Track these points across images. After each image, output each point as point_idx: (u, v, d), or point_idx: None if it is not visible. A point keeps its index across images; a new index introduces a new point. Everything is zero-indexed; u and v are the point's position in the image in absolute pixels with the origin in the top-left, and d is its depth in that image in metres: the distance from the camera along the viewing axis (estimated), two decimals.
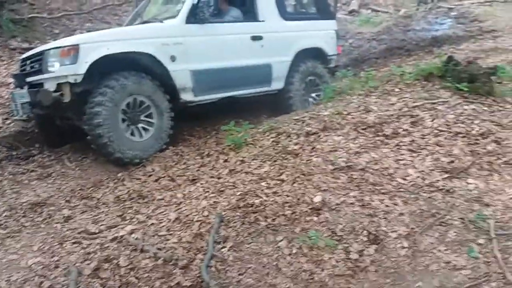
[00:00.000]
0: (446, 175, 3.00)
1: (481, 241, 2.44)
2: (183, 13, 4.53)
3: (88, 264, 2.54)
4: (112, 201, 3.48)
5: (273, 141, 3.95)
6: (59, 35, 7.67)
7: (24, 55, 4.81)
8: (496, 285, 2.15)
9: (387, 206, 2.76)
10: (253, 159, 3.72)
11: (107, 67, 4.05)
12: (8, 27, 7.13)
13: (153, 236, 2.83)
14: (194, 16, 4.54)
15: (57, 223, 3.22)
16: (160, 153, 4.43)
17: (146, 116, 4.34)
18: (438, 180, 2.95)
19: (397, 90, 4.35)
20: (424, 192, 2.86)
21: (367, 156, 3.31)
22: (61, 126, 4.71)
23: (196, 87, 4.60)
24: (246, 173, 3.52)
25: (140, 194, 3.51)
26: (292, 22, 5.56)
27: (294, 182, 3.17)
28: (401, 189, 2.91)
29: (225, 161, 3.88)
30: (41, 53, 4.17)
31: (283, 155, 3.63)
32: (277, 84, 5.41)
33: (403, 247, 2.43)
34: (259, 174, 3.43)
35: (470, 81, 3.97)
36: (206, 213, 3.00)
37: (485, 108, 3.78)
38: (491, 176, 3.00)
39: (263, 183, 3.26)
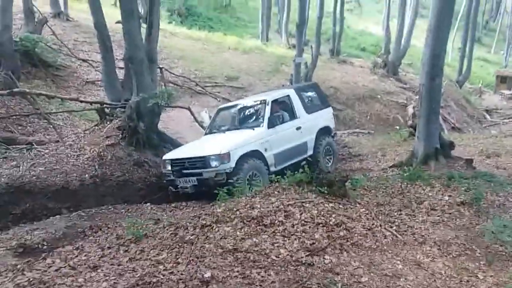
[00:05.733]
0: (308, 253, 3.81)
1: None
2: (265, 122, 7.63)
3: None
4: None
5: (171, 233, 4.47)
6: None
7: (173, 157, 7.36)
8: None
9: (262, 276, 3.43)
10: (152, 249, 4.18)
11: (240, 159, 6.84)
12: None
13: None
14: (270, 123, 7.63)
15: None
16: (61, 248, 4.66)
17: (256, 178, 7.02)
18: (302, 257, 3.74)
19: (276, 192, 5.30)
20: (292, 266, 3.60)
21: (250, 241, 4.02)
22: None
23: (276, 162, 7.54)
24: (145, 259, 3.95)
25: (41, 281, 3.68)
26: (312, 114, 8.73)
27: (188, 264, 3.72)
28: (274, 264, 3.62)
29: (126, 251, 4.26)
30: (203, 157, 6.82)
31: (180, 244, 4.17)
32: (310, 152, 8.44)
33: None
34: (158, 260, 3.90)
35: (329, 186, 5.09)
36: None
37: (340, 206, 4.84)
38: (342, 253, 3.88)
39: (160, 266, 3.74)
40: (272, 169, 7.41)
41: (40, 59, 14.62)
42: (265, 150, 7.41)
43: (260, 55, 21.11)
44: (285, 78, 17.06)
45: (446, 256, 3.93)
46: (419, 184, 6.07)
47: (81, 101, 9.94)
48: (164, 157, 7.53)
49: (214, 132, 8.39)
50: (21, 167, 7.55)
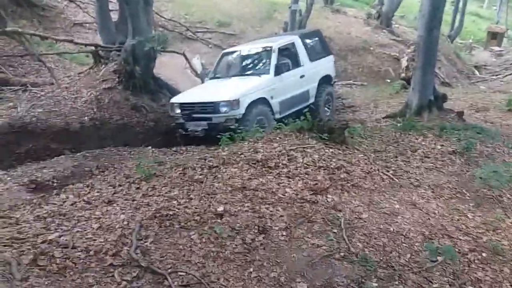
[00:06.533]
0: (312, 193, 4.07)
1: (335, 230, 3.48)
2: (272, 70, 7.72)
3: (25, 257, 2.92)
4: (33, 219, 3.77)
5: (180, 173, 4.67)
6: None
7: (183, 101, 7.51)
8: (343, 254, 3.15)
9: (271, 211, 3.69)
10: (163, 186, 4.38)
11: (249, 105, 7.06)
12: None
13: (81, 238, 3.29)
14: (276, 71, 7.72)
15: None
16: (72, 186, 4.84)
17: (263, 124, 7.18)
18: (307, 196, 4.00)
19: (278, 138, 5.49)
20: (297, 203, 3.87)
21: (256, 181, 4.26)
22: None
23: (281, 110, 7.76)
24: (158, 196, 4.16)
25: (60, 213, 3.88)
26: (315, 62, 8.87)
27: (200, 200, 3.95)
28: (281, 201, 3.88)
29: (137, 188, 4.45)
30: (214, 103, 6.99)
31: (190, 183, 4.38)
32: (311, 100, 8.73)
33: (283, 235, 3.35)
34: (170, 196, 4.11)
35: (329, 133, 5.31)
36: (126, 222, 3.57)
37: (340, 152, 5.09)
38: (343, 193, 4.15)
39: (174, 202, 3.96)
40: (277, 116, 7.62)
41: None
42: (271, 97, 7.59)
43: (253, 0, 20.58)
44: (278, 26, 16.80)
45: (439, 198, 4.25)
46: (413, 134, 6.32)
47: (76, 43, 9.75)
48: (173, 100, 7.69)
49: (219, 77, 8.47)
50: (19, 108, 7.54)
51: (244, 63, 8.59)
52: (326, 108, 9.27)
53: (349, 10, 22.23)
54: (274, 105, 7.62)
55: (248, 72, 8.22)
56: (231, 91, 7.28)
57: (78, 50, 10.55)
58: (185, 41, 15.88)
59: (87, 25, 15.08)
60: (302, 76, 8.44)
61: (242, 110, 6.94)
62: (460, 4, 22.37)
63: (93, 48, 9.73)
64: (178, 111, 7.45)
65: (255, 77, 7.82)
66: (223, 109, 6.91)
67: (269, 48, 8.12)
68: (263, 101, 7.42)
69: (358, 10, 22.96)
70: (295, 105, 8.17)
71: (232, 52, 9.07)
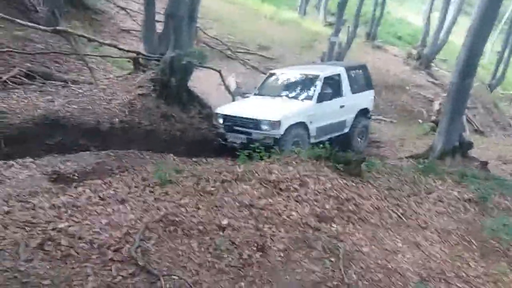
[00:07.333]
0: (317, 219, 4.12)
1: (333, 259, 3.52)
2: (315, 97, 8.17)
3: (33, 240, 3.11)
4: (48, 207, 4.00)
5: (194, 183, 4.82)
6: None
7: (227, 113, 8.04)
8: (336, 283, 3.18)
9: (273, 231, 3.77)
10: (175, 193, 4.54)
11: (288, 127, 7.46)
12: None
13: (88, 231, 3.46)
14: (319, 98, 8.15)
15: None
16: (90, 181, 5.08)
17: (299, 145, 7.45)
18: (312, 222, 4.06)
19: (294, 163, 5.58)
20: (300, 227, 3.93)
21: (265, 200, 4.35)
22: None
23: (316, 135, 8.11)
24: (169, 201, 4.32)
25: (74, 205, 4.08)
26: (356, 94, 9.27)
27: (208, 211, 4.07)
28: (285, 223, 3.95)
29: (151, 192, 4.63)
30: (256, 120, 7.43)
31: (201, 193, 4.52)
32: (346, 129, 9.17)
33: (280, 256, 3.42)
34: (180, 203, 4.26)
35: (346, 164, 5.35)
36: (133, 222, 3.74)
37: (353, 184, 5.11)
38: (348, 225, 4.18)
39: (182, 209, 4.11)
40: (312, 140, 7.98)
41: (80, 0, 14.84)
42: (310, 122, 7.96)
43: (295, 28, 20.97)
44: (317, 55, 17.02)
45: (444, 243, 4.20)
46: (432, 177, 6.27)
47: (119, 48, 10.20)
48: (217, 111, 8.28)
49: (264, 95, 8.96)
50: (56, 102, 7.97)
51: (289, 86, 9.01)
52: (359, 139, 9.62)
53: (390, 48, 22.29)
54: (311, 130, 7.98)
55: (292, 95, 8.61)
56: (274, 111, 7.66)
57: (120, 55, 11.03)
58: (224, 59, 16.31)
59: (134, 32, 15.74)
60: (342, 106, 8.82)
61: (281, 131, 7.31)
62: (505, 54, 21.99)
63: (134, 55, 10.19)
64: (221, 121, 7.95)
65: (299, 101, 8.26)
66: (264, 127, 7.34)
67: (315, 76, 8.56)
68: (302, 125, 7.80)
69: (400, 49, 22.96)
70: (331, 133, 8.60)
71: (279, 73, 9.52)
